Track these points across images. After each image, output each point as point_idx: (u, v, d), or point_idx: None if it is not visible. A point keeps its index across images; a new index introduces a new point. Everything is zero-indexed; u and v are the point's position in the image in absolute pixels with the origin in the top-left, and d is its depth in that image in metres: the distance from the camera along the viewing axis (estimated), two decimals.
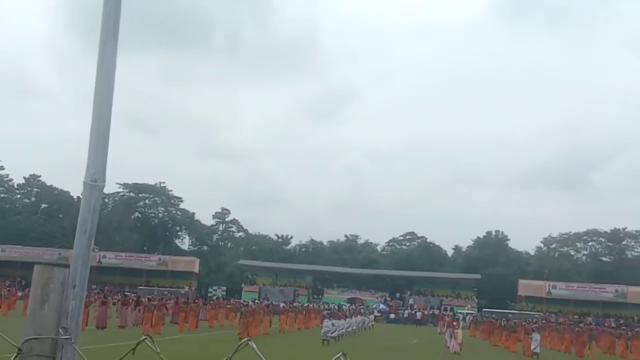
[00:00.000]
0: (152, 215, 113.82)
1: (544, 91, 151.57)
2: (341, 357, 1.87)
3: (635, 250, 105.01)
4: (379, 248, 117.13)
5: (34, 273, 2.23)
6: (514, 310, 79.96)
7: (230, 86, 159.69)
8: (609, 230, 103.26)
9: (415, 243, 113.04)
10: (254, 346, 1.90)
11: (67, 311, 2.19)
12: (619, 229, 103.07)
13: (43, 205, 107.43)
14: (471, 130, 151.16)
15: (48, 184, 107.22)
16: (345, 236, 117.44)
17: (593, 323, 70.41)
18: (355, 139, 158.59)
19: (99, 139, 2.29)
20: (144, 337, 2.02)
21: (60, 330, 2.16)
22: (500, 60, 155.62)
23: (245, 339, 1.94)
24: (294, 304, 58.42)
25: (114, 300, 53.47)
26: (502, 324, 43.44)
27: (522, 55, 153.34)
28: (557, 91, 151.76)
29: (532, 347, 32.13)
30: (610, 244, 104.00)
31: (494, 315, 61.97)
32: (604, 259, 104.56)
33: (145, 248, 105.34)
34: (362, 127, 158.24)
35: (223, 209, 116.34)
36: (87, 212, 2.29)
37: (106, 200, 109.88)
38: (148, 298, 38.26)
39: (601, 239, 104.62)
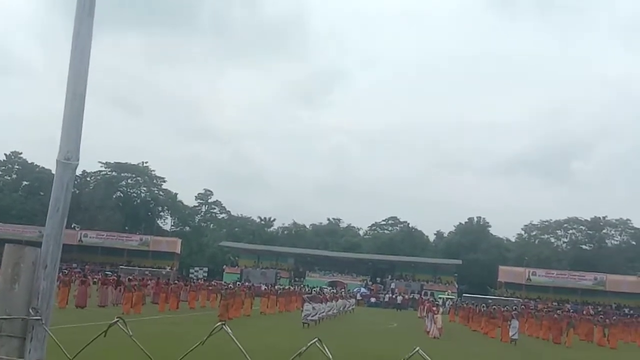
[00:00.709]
0: (134, 195, 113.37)
1: (529, 79, 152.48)
2: (317, 343, 1.84)
3: (615, 238, 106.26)
4: (361, 232, 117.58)
5: (5, 252, 2.18)
6: (494, 296, 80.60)
7: (216, 67, 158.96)
8: (589, 219, 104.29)
9: (398, 228, 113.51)
10: (229, 330, 1.87)
11: (38, 291, 2.15)
12: (600, 218, 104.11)
13: (24, 183, 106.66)
14: (456, 115, 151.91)
15: (29, 162, 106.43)
16: (328, 219, 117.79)
17: (571, 310, 71.23)
18: (340, 122, 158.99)
19: (73, 116, 2.23)
20: (116, 319, 1.98)
21: (30, 310, 2.12)
22: (487, 46, 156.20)
23: (219, 323, 1.90)
24: (276, 287, 58.45)
25: (94, 280, 53.30)
26: (482, 310, 43.78)
27: (509, 42, 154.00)
28: (543, 79, 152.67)
29: (510, 334, 32.39)
30: (590, 232, 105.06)
31: (473, 301, 62.46)
32: (583, 247, 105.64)
33: (126, 228, 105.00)
34: (348, 110, 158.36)
35: (206, 190, 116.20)
36: (59, 190, 2.23)
37: (88, 179, 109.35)
38: (129, 278, 38.08)
39: (581, 227, 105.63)
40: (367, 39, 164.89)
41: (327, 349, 1.79)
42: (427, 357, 1.76)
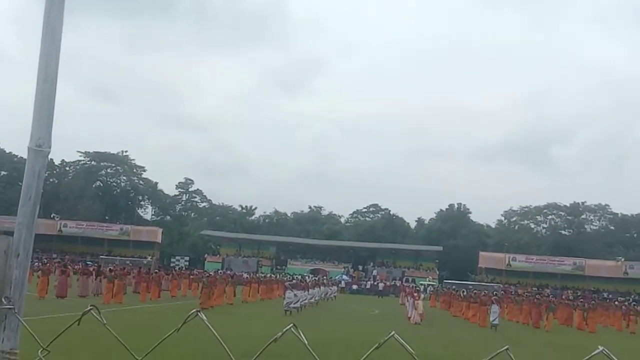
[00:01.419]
0: (114, 184, 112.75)
1: (510, 65, 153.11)
2: (292, 329, 1.83)
3: (594, 224, 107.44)
4: (342, 220, 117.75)
5: None
6: (474, 281, 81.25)
7: (196, 54, 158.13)
8: (568, 204, 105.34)
9: (379, 215, 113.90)
10: (204, 317, 1.86)
11: (10, 281, 2.12)
12: (579, 203, 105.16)
13: (2, 173, 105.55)
14: (436, 102, 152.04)
15: (7, 151, 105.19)
16: (309, 207, 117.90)
17: (551, 295, 71.99)
18: (321, 110, 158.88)
19: (44, 103, 2.20)
20: (89, 307, 1.96)
21: (3, 299, 2.09)
22: (468, 33, 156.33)
23: (194, 310, 1.89)
24: (257, 275, 58.54)
25: (75, 270, 53.01)
26: (462, 295, 44.13)
27: (489, 28, 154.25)
28: (524, 66, 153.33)
29: (490, 319, 32.65)
30: (569, 217, 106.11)
31: (454, 287, 62.94)
32: (563, 232, 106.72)
33: (107, 217, 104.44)
34: (328, 98, 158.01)
35: (187, 179, 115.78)
36: (31, 178, 2.20)
37: (67, 168, 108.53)
38: (109, 268, 37.93)
39: (561, 212, 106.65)
40: (347, 26, 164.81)
41: (302, 335, 1.79)
42: (402, 341, 1.75)
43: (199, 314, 1.89)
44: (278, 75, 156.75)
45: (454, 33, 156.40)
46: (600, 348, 1.77)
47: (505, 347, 1.78)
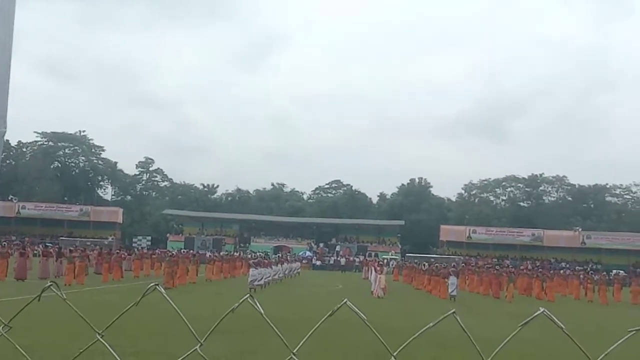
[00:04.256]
0: (73, 164, 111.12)
1: (468, 39, 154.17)
2: (248, 299, 1.89)
3: (552, 195, 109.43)
4: (305, 196, 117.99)
5: None
6: (436, 254, 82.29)
7: (154, 32, 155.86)
8: (527, 177, 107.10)
9: (341, 191, 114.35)
10: (162, 290, 1.91)
11: None
12: (537, 175, 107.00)
13: None
14: (396, 78, 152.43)
15: None
16: (272, 185, 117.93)
17: (510, 266, 73.32)
18: (282, 87, 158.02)
19: None
20: (49, 284, 2.00)
21: None
22: (426, 8, 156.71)
23: (153, 284, 1.94)
24: (221, 253, 58.36)
25: (35, 252, 52.34)
26: (423, 269, 44.69)
27: (448, 3, 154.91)
28: (481, 40, 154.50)
29: (449, 290, 33.19)
30: (528, 189, 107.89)
31: (416, 260, 63.70)
32: (522, 204, 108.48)
33: (66, 198, 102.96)
34: (290, 74, 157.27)
35: (147, 158, 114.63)
36: None
37: (24, 150, 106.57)
38: (70, 249, 37.46)
39: (519, 184, 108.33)
40: (308, 1, 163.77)
41: (258, 305, 1.85)
42: (355, 308, 1.83)
43: (157, 287, 1.94)
44: (238, 51, 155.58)
45: (413, 8, 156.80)
46: (541, 309, 1.87)
47: (452, 311, 1.87)
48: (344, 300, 1.84)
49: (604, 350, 2.01)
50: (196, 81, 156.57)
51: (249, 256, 55.64)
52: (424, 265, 48.01)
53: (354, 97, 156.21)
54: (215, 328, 2.02)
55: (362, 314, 1.80)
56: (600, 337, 15.71)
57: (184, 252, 52.07)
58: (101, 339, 2.00)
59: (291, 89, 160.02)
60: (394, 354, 1.89)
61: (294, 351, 1.88)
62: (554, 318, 1.84)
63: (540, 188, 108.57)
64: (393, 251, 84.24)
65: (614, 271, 67.90)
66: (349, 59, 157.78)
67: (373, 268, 38.83)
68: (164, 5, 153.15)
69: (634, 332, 1.78)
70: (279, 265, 43.29)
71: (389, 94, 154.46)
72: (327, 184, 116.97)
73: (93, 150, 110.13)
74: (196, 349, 1.94)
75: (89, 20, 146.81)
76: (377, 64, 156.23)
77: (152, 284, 1.93)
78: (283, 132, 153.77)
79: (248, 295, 1.87)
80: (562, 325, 1.74)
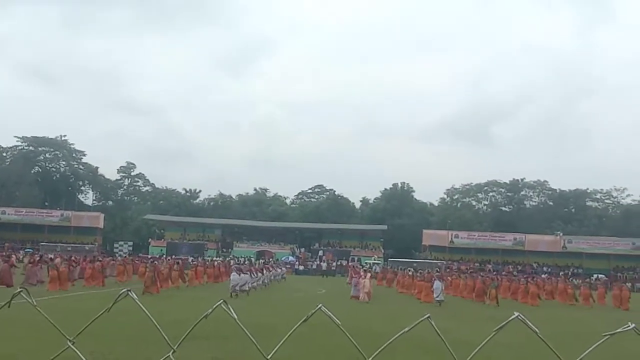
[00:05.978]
0: (54, 169, 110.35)
1: (451, 45, 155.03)
2: (222, 305, 1.88)
3: (533, 200, 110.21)
4: (288, 201, 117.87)
5: None
6: (419, 259, 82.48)
7: (138, 36, 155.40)
8: (508, 181, 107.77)
9: (324, 196, 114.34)
10: (134, 296, 1.89)
11: None
12: (518, 180, 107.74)
13: None
14: (380, 83, 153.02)
15: None
16: (255, 189, 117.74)
17: (493, 270, 73.73)
18: (266, 92, 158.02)
19: None
20: (19, 290, 1.97)
21: None
22: (410, 13, 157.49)
23: (125, 290, 1.92)
24: (203, 259, 58.14)
25: (19, 259, 51.95)
26: (408, 273, 44.75)
27: (432, 9, 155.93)
28: (465, 45, 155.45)
29: (434, 295, 33.18)
30: (509, 194, 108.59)
31: (399, 265, 63.83)
32: (503, 208, 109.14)
33: (46, 203, 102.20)
34: (273, 79, 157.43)
35: (128, 162, 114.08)
36: None
37: (4, 154, 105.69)
38: (50, 258, 37.15)
39: (501, 189, 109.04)
40: (292, 7, 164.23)
41: (232, 311, 1.84)
42: (329, 313, 1.82)
43: (129, 293, 1.91)
44: (223, 56, 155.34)
45: (398, 14, 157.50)
46: (516, 314, 1.87)
47: (426, 315, 1.86)
48: (319, 306, 1.82)
49: (579, 354, 2.01)
50: (180, 86, 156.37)
51: (231, 262, 55.46)
52: (409, 270, 48.01)
53: (337, 103, 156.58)
54: (195, 334, 2.00)
55: (336, 319, 1.79)
56: (579, 341, 15.79)
57: (168, 259, 51.83)
58: (72, 346, 1.97)
59: (275, 94, 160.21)
60: (369, 358, 1.87)
61: (268, 357, 1.86)
62: (528, 322, 1.85)
63: (522, 193, 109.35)
64: (376, 256, 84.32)
65: (595, 275, 68.52)
66: (333, 65, 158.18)
67: (353, 272, 38.86)
68: (148, 10, 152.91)
69: (608, 336, 1.79)
70: (265, 271, 43.26)
71: (372, 99, 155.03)
72: (310, 189, 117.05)
73: (74, 155, 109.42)
74: (169, 355, 1.92)
75: (72, 24, 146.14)
76: (361, 70, 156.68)
77: (123, 290, 1.91)
78: (266, 137, 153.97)
79: (222, 301, 1.86)
80: (536, 330, 1.74)
